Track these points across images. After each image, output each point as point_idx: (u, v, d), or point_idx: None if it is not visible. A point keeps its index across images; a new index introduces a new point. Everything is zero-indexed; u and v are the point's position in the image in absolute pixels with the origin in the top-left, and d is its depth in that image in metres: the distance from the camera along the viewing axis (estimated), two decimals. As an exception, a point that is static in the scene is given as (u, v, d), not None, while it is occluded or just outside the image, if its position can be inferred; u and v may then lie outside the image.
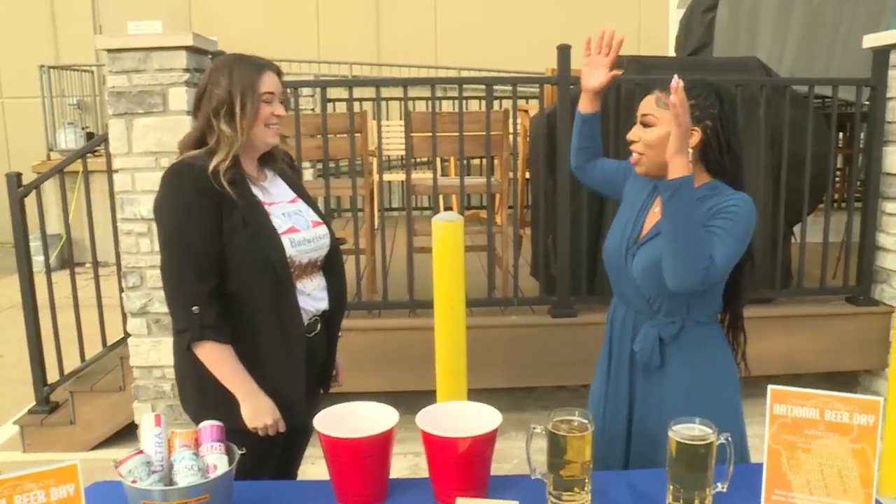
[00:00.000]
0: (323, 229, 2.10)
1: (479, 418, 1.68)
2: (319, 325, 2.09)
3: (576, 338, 3.93)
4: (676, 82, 1.72)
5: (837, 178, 6.49)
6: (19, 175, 3.90)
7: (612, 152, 3.64)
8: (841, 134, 6.30)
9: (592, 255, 4.02)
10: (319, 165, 6.92)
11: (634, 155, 1.92)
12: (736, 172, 1.90)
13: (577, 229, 4.00)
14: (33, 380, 4.04)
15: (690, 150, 1.78)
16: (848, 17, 5.17)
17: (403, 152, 4.48)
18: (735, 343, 2.04)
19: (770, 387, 1.50)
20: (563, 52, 3.89)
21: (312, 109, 6.67)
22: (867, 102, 4.20)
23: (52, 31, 10.64)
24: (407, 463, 3.62)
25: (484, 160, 4.22)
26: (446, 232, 2.74)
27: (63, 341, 4.08)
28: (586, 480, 1.60)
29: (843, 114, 5.61)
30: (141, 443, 1.59)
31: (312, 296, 2.05)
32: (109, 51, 3.54)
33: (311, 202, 2.16)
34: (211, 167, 1.88)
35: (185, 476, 1.52)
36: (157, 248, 2.13)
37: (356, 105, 4.00)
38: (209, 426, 1.62)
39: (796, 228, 4.33)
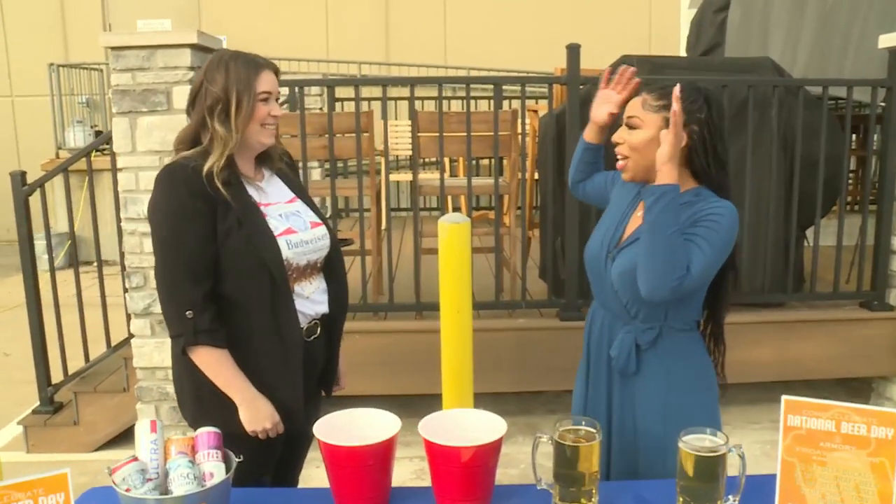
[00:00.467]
0: (322, 230, 2.05)
1: (484, 426, 1.64)
2: (319, 329, 2.05)
3: (584, 341, 3.87)
4: (678, 90, 1.70)
5: (851, 181, 6.42)
6: (24, 173, 3.87)
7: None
8: (854, 136, 6.22)
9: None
10: (328, 165, 6.89)
11: (620, 160, 1.90)
12: (721, 179, 1.87)
13: (585, 231, 3.93)
14: (37, 380, 4.01)
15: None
16: (862, 17, 5.10)
17: (411, 152, 4.43)
18: (716, 351, 2.01)
19: (784, 397, 1.45)
20: (573, 51, 3.84)
21: (321, 109, 6.64)
22: (882, 104, 4.14)
23: (61, 29, 10.67)
24: (412, 467, 3.58)
25: (494, 161, 4.18)
26: (452, 233, 2.69)
27: (68, 341, 4.06)
28: (593, 491, 1.56)
29: (857, 115, 5.55)
30: (136, 449, 1.55)
31: (312, 299, 2.01)
32: (113, 48, 3.50)
33: (310, 202, 2.11)
34: (205, 169, 1.84)
35: (181, 484, 1.48)
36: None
37: (364, 105, 3.96)
38: (206, 433, 1.58)
39: (809, 232, 4.28)
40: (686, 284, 1.72)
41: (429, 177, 5.64)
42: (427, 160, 7.41)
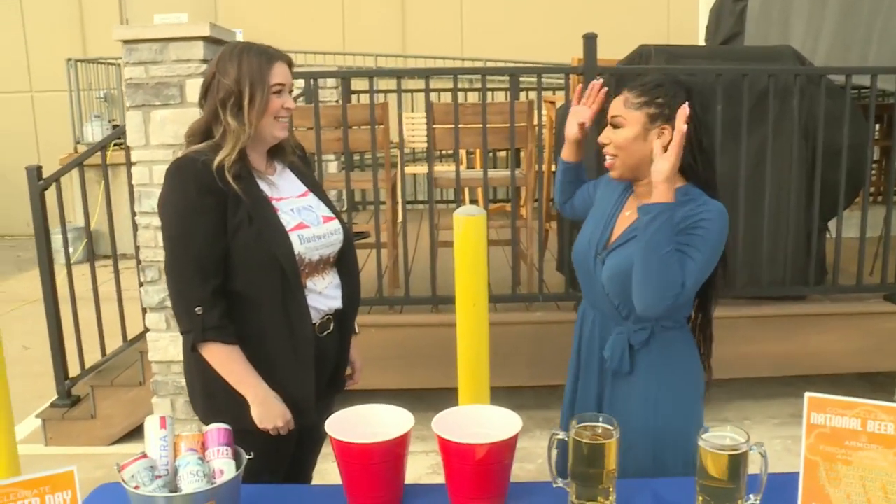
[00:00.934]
0: (335, 224, 2.02)
1: (499, 423, 1.61)
2: (332, 325, 2.02)
3: (602, 335, 3.83)
4: (686, 109, 1.70)
5: (875, 171, 6.32)
6: (39, 168, 3.88)
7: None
8: (878, 125, 6.12)
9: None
10: (344, 158, 6.87)
11: (609, 159, 1.89)
12: (708, 174, 1.87)
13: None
14: (55, 374, 4.03)
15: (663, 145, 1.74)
16: (887, 3, 5.01)
17: (427, 144, 4.40)
18: (704, 346, 2.01)
19: (807, 395, 1.40)
20: (590, 41, 3.78)
21: (337, 101, 6.61)
22: (907, 93, 4.06)
23: (79, 24, 10.71)
24: (428, 462, 3.56)
25: (510, 152, 4.14)
26: (468, 226, 2.66)
27: (86, 335, 4.07)
28: (610, 489, 1.52)
29: (882, 105, 5.45)
30: (145, 446, 1.53)
31: (324, 294, 1.98)
32: (126, 42, 3.49)
33: (323, 196, 2.07)
34: (216, 162, 1.81)
35: (190, 482, 1.46)
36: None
37: (380, 97, 3.92)
38: (216, 429, 1.56)
39: (831, 223, 4.20)
40: (681, 300, 1.73)
41: (445, 169, 5.60)
42: (443, 152, 7.37)
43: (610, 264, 1.86)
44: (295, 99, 3.57)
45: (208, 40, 3.50)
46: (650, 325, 1.85)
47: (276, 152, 2.01)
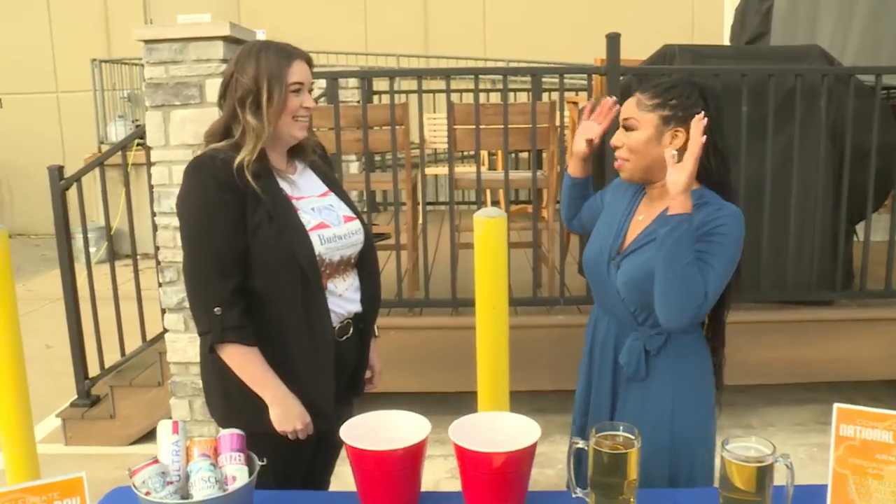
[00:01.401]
0: (356, 224, 1.99)
1: (518, 430, 1.58)
2: (352, 329, 1.99)
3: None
4: (702, 117, 1.66)
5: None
6: (61, 168, 3.89)
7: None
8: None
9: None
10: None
11: (618, 160, 1.86)
12: (723, 176, 1.83)
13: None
14: (75, 373, 4.04)
15: (675, 153, 1.69)
16: (917, 4, 4.92)
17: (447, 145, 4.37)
18: (717, 352, 1.96)
19: (836, 405, 1.36)
20: (613, 41, 3.74)
21: (358, 102, 6.60)
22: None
23: (104, 25, 10.80)
24: (447, 466, 3.52)
25: (532, 154, 4.10)
26: (488, 228, 2.63)
27: (105, 334, 4.08)
28: (631, 500, 1.49)
29: (911, 105, 5.33)
30: (157, 450, 1.52)
31: (344, 297, 1.94)
32: (147, 42, 3.49)
33: (344, 196, 2.05)
34: (236, 162, 1.79)
35: (202, 488, 1.44)
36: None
37: (400, 97, 3.90)
38: (229, 435, 1.54)
39: (859, 227, 4.12)
40: (703, 310, 1.70)
41: (466, 170, 5.57)
42: (465, 153, 7.33)
43: (625, 270, 1.83)
44: (316, 99, 3.54)
45: (228, 40, 3.49)
46: (666, 330, 1.81)
47: (297, 151, 1.98)
